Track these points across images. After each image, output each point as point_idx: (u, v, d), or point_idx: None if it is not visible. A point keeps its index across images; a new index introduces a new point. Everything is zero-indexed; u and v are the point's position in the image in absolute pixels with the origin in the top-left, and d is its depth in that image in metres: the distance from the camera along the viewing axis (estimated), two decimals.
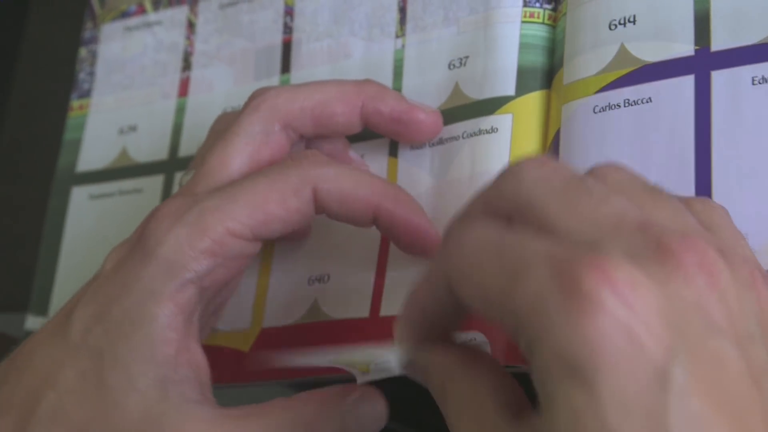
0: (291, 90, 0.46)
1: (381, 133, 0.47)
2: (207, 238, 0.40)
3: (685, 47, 0.44)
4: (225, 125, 0.46)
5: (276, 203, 0.42)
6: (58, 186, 0.59)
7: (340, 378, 0.46)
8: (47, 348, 0.41)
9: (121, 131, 0.58)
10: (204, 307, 0.43)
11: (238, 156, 0.44)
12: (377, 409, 0.42)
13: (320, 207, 0.43)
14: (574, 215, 0.30)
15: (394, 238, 0.45)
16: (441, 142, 0.47)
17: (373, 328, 0.46)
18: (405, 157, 0.49)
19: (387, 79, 0.50)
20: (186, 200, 0.42)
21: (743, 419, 0.28)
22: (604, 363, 0.27)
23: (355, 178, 0.44)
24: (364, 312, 0.47)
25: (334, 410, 0.41)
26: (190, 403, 0.39)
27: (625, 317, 0.27)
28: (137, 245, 0.41)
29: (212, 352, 0.47)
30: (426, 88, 0.50)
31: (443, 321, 0.35)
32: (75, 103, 0.60)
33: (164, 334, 0.39)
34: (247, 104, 0.45)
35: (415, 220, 0.44)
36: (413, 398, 0.60)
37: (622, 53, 0.46)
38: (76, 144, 0.59)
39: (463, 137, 0.47)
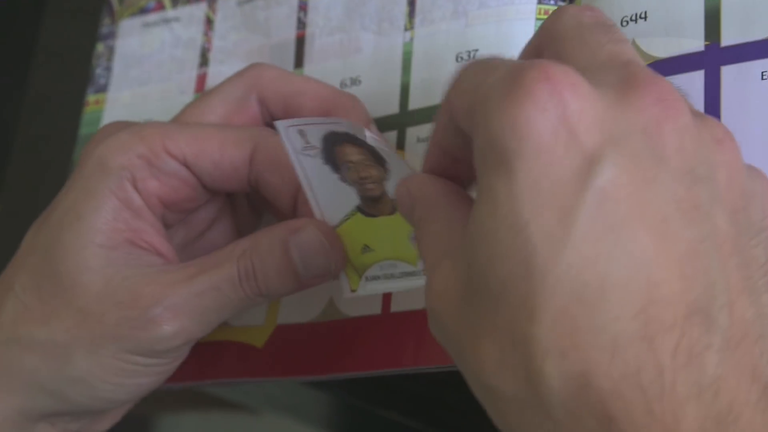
0: (280, 72, 0.48)
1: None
2: (142, 145, 0.44)
3: (696, 43, 0.45)
4: None
5: (217, 141, 0.45)
6: None
7: (348, 377, 0.50)
8: (8, 266, 0.46)
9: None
10: (183, 239, 0.47)
11: (211, 114, 0.47)
12: (317, 237, 0.45)
13: (264, 106, 0.48)
14: (583, 49, 0.33)
15: None
16: None
17: (385, 325, 0.47)
18: (411, 149, 0.50)
19: (396, 73, 0.51)
20: (125, 123, 0.47)
21: (667, 242, 0.30)
22: (526, 150, 0.30)
23: (305, 80, 0.49)
24: (376, 309, 0.48)
25: (280, 239, 0.44)
26: (144, 271, 0.43)
27: (556, 112, 0.29)
28: (79, 163, 0.46)
29: (225, 346, 0.51)
30: (433, 81, 0.50)
31: (457, 154, 0.37)
32: (91, 98, 0.61)
33: (110, 225, 0.43)
34: (239, 71, 0.49)
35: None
36: (423, 394, 0.58)
37: (634, 48, 0.45)
38: (89, 138, 0.58)
39: None
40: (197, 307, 0.43)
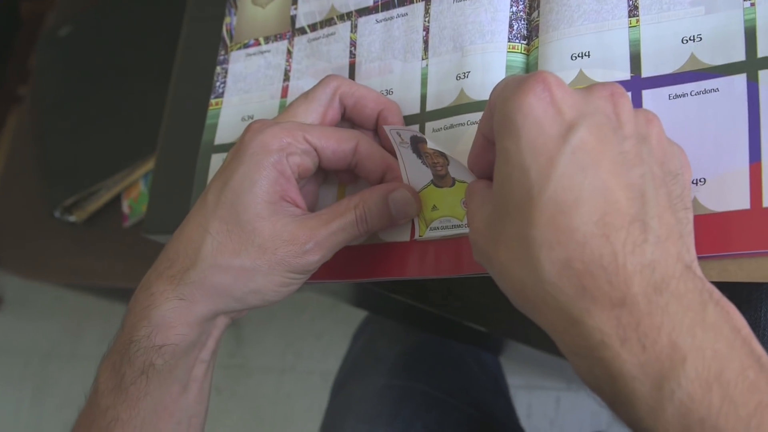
0: (350, 82, 0.59)
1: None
2: (290, 135, 0.54)
3: (624, 74, 0.53)
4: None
5: (335, 137, 0.55)
6: (202, 153, 0.69)
7: (384, 280, 0.59)
8: (195, 216, 0.54)
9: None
10: (299, 184, 0.55)
11: (314, 111, 0.57)
12: (407, 195, 0.56)
13: (342, 105, 0.58)
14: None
15: (384, 139, 0.58)
16: (452, 126, 0.57)
17: (411, 247, 0.57)
18: (429, 136, 0.59)
19: (416, 88, 0.60)
20: (271, 121, 0.55)
21: (618, 176, 0.39)
22: (527, 121, 0.41)
23: (367, 89, 0.59)
24: (405, 237, 0.58)
25: (381, 194, 0.55)
26: (296, 217, 0.53)
27: (547, 98, 0.41)
28: (240, 144, 0.54)
29: None
30: (441, 92, 0.59)
31: (490, 137, 0.46)
32: (213, 101, 0.71)
33: (272, 188, 0.53)
34: (322, 80, 0.58)
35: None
36: (425, 284, 0.74)
37: (581, 76, 0.54)
38: (214, 127, 0.70)
39: (467, 124, 0.57)
40: (332, 242, 0.54)
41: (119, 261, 1.35)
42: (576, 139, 0.40)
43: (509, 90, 0.42)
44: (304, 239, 0.52)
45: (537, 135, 0.40)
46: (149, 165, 1.31)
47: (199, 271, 0.52)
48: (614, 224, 0.38)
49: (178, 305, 0.52)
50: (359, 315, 1.14)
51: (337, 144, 0.56)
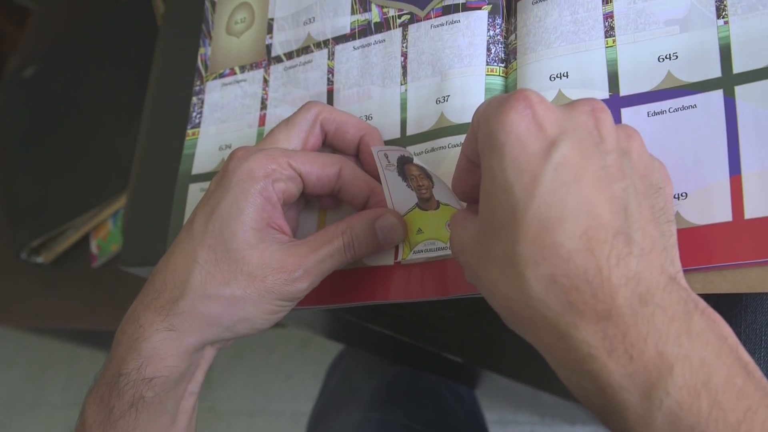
0: (330, 108, 0.59)
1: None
2: (275, 162, 0.54)
3: (603, 93, 0.54)
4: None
5: (319, 163, 0.55)
6: (180, 183, 0.69)
7: (365, 305, 0.59)
8: (181, 246, 0.54)
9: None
10: (283, 210, 0.55)
11: (296, 137, 0.57)
12: (394, 221, 0.56)
13: (323, 131, 0.58)
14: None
15: (365, 164, 0.59)
16: (433, 149, 0.58)
17: (395, 271, 0.57)
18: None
19: (395, 112, 0.61)
20: (254, 148, 0.55)
21: (600, 191, 0.40)
22: (510, 138, 0.41)
23: (347, 115, 0.59)
24: (389, 261, 0.58)
25: (368, 221, 0.55)
26: (284, 243, 0.53)
27: (529, 116, 0.41)
28: (225, 172, 0.54)
29: None
30: (422, 116, 0.60)
31: (473, 158, 0.46)
32: (189, 131, 0.71)
33: (259, 215, 0.53)
34: (302, 107, 0.58)
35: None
36: (398, 315, 0.73)
37: (560, 96, 0.55)
38: (191, 157, 0.70)
39: (448, 147, 0.57)
40: (320, 269, 0.54)
41: (87, 302, 1.33)
42: (558, 156, 0.40)
43: (492, 109, 0.43)
44: (293, 267, 0.52)
45: (520, 152, 0.41)
46: (118, 204, 1.30)
47: (188, 301, 0.52)
48: (598, 238, 0.39)
49: (168, 336, 0.52)
50: (329, 354, 1.14)
51: (321, 169, 0.56)
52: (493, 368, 1.04)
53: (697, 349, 0.37)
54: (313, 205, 0.63)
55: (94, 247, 1.32)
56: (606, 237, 0.39)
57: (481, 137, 0.43)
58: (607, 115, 0.44)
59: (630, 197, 0.41)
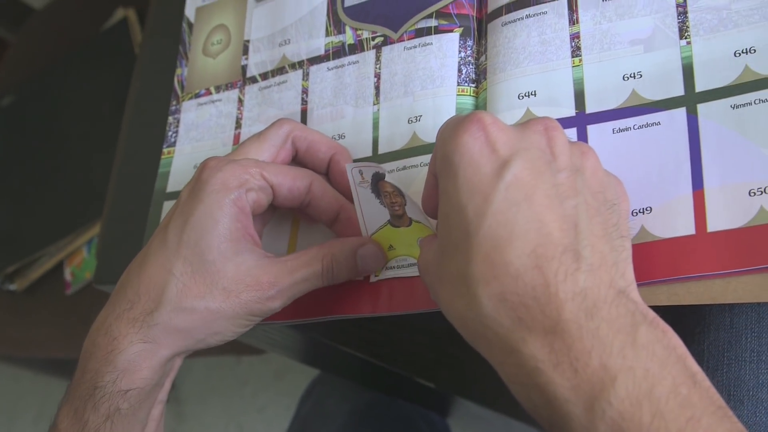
0: (303, 126, 0.59)
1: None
2: (248, 172, 0.53)
3: (570, 111, 0.55)
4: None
5: (291, 175, 0.55)
6: (155, 201, 0.70)
7: (337, 319, 0.58)
8: (155, 257, 0.53)
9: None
10: (255, 221, 0.55)
11: (266, 151, 0.57)
12: (376, 251, 0.56)
13: (294, 148, 0.58)
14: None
15: (335, 182, 0.59)
16: (405, 168, 0.59)
17: (366, 287, 0.57)
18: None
19: (368, 131, 0.62)
20: (226, 158, 0.55)
21: (550, 209, 0.41)
22: (463, 161, 0.42)
23: (319, 134, 0.60)
24: (360, 276, 0.58)
25: (350, 249, 0.55)
26: (259, 258, 0.53)
27: (482, 138, 0.42)
28: (198, 182, 0.53)
29: None
30: (394, 136, 0.61)
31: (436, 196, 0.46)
32: (165, 150, 0.72)
33: (234, 225, 0.52)
34: (274, 123, 0.58)
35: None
36: (367, 337, 0.74)
37: (528, 114, 0.56)
38: (166, 175, 0.70)
39: (420, 166, 0.59)
40: (294, 290, 0.53)
41: (60, 330, 1.32)
42: (509, 176, 0.41)
43: (447, 131, 0.44)
44: (267, 285, 0.52)
45: (473, 174, 0.42)
46: (93, 231, 1.30)
47: (163, 313, 0.51)
48: (546, 255, 0.39)
49: (143, 348, 0.51)
50: (303, 387, 1.13)
51: (293, 181, 0.56)
52: (465, 395, 1.04)
53: (641, 361, 0.38)
54: (284, 218, 0.63)
55: (68, 274, 1.31)
56: (554, 254, 0.40)
57: (438, 159, 0.45)
58: (559, 134, 0.44)
59: (581, 214, 0.41)
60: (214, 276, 0.52)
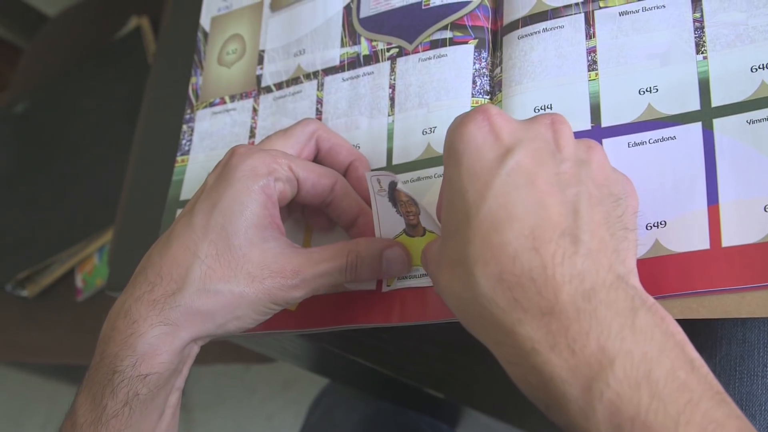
0: (327, 128, 0.60)
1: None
2: (276, 162, 0.54)
3: (585, 124, 0.55)
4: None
5: (316, 172, 0.56)
6: (168, 208, 0.70)
7: (348, 328, 0.59)
8: (180, 239, 0.53)
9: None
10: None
11: (291, 147, 0.57)
12: (402, 255, 0.56)
13: (317, 148, 0.59)
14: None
15: (354, 184, 0.59)
16: (419, 179, 0.59)
17: (377, 297, 0.58)
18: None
19: (382, 142, 0.62)
20: (255, 147, 0.55)
21: (550, 195, 0.41)
22: (467, 149, 0.43)
23: (342, 138, 0.61)
24: (372, 287, 0.58)
25: (377, 249, 0.55)
26: (285, 247, 0.53)
27: (487, 127, 0.43)
28: (227, 167, 0.53)
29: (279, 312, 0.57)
30: (408, 147, 0.61)
31: None
32: (179, 158, 0.72)
33: (262, 212, 0.53)
34: (300, 121, 0.59)
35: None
36: (377, 345, 0.74)
37: None
38: (180, 183, 0.71)
39: (434, 177, 0.59)
40: (317, 283, 0.53)
41: (71, 336, 1.33)
42: (512, 162, 0.42)
43: (454, 123, 0.45)
44: (291, 274, 0.52)
45: (475, 160, 0.43)
46: (104, 238, 1.30)
47: (186, 295, 0.51)
48: (544, 237, 0.40)
49: (163, 331, 0.51)
50: (311, 395, 1.13)
51: (318, 178, 0.56)
52: (474, 405, 1.04)
53: (639, 344, 0.38)
54: (298, 222, 0.63)
55: (79, 281, 1.32)
56: (552, 236, 0.40)
57: (444, 149, 0.45)
58: (566, 128, 0.45)
59: (582, 201, 0.42)
60: (239, 260, 0.51)
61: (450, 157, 0.44)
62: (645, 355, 0.38)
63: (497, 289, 0.40)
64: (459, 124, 0.44)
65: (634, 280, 0.42)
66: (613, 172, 0.46)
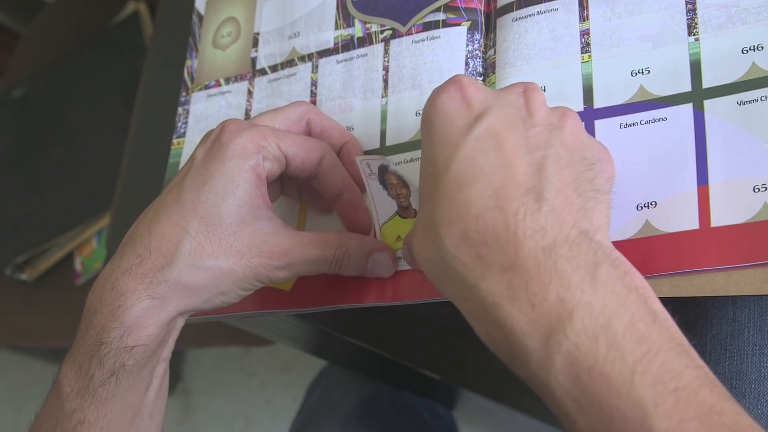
0: (318, 110, 0.60)
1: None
2: (266, 140, 0.54)
3: (578, 106, 0.56)
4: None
5: (305, 147, 0.56)
6: None
7: (343, 308, 0.59)
8: (169, 214, 0.53)
9: None
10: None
11: (280, 124, 0.57)
12: (390, 262, 0.56)
13: (308, 129, 0.59)
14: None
15: (346, 167, 0.59)
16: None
17: (374, 280, 0.58)
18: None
19: (376, 124, 0.62)
20: (246, 123, 0.55)
21: (516, 157, 0.42)
22: (440, 118, 0.45)
23: (333, 121, 0.61)
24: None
25: (366, 250, 0.56)
26: (277, 227, 0.54)
27: (458, 97, 0.45)
28: (217, 143, 0.53)
29: (268, 291, 0.61)
30: (401, 128, 0.61)
31: None
32: (175, 141, 0.73)
33: (253, 191, 0.53)
34: (292, 103, 0.59)
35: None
36: (371, 328, 0.75)
37: None
38: (176, 165, 0.71)
39: None
40: (302, 267, 0.54)
41: (70, 320, 1.32)
42: (481, 127, 0.43)
43: (431, 96, 0.46)
44: (279, 255, 0.53)
45: (447, 128, 0.44)
46: (102, 222, 1.31)
47: (174, 270, 0.51)
48: (507, 195, 0.41)
49: (151, 305, 0.51)
50: (309, 378, 1.13)
51: (306, 153, 0.56)
52: (470, 387, 1.04)
53: (599, 297, 0.38)
54: (293, 201, 0.64)
55: (78, 264, 1.32)
56: (516, 194, 0.41)
57: (421, 122, 0.47)
58: (538, 95, 0.46)
59: (549, 162, 0.42)
60: (229, 238, 0.52)
61: (424, 128, 0.46)
62: (605, 307, 0.38)
63: (461, 246, 0.41)
64: (433, 96, 0.46)
65: (601, 236, 0.42)
66: (588, 139, 0.46)
